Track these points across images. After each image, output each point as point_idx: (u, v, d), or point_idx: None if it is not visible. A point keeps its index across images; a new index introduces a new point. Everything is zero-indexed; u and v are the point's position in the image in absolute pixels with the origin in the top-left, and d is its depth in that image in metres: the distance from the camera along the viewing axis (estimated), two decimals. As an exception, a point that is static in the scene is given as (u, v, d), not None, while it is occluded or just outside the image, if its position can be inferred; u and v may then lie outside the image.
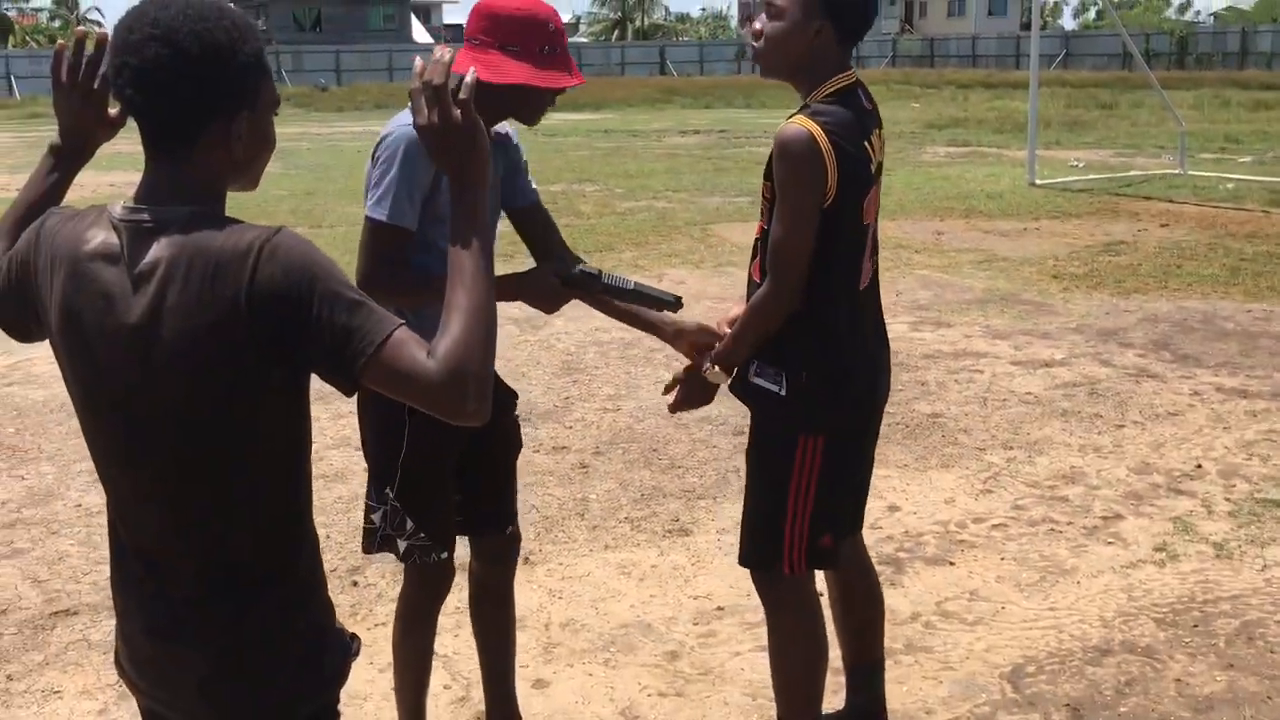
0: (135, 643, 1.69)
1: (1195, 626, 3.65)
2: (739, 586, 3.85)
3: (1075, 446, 5.28)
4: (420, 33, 58.00)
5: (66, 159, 1.85)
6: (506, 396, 2.86)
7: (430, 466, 2.63)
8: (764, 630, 2.86)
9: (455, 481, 2.74)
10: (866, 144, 2.56)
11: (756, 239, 2.66)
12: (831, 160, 2.45)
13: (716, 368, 2.67)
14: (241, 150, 1.57)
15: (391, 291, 2.43)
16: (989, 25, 58.28)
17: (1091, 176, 14.78)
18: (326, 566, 4.05)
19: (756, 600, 2.87)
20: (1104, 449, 5.25)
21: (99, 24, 65.36)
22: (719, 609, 3.79)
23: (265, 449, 1.59)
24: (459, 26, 64.12)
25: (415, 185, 2.42)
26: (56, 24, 69.32)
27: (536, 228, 2.77)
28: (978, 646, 3.55)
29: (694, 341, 2.75)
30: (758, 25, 2.61)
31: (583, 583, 4.01)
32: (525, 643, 3.51)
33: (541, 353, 6.84)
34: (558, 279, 2.54)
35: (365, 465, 2.75)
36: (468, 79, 1.58)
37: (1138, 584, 3.94)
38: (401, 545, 2.66)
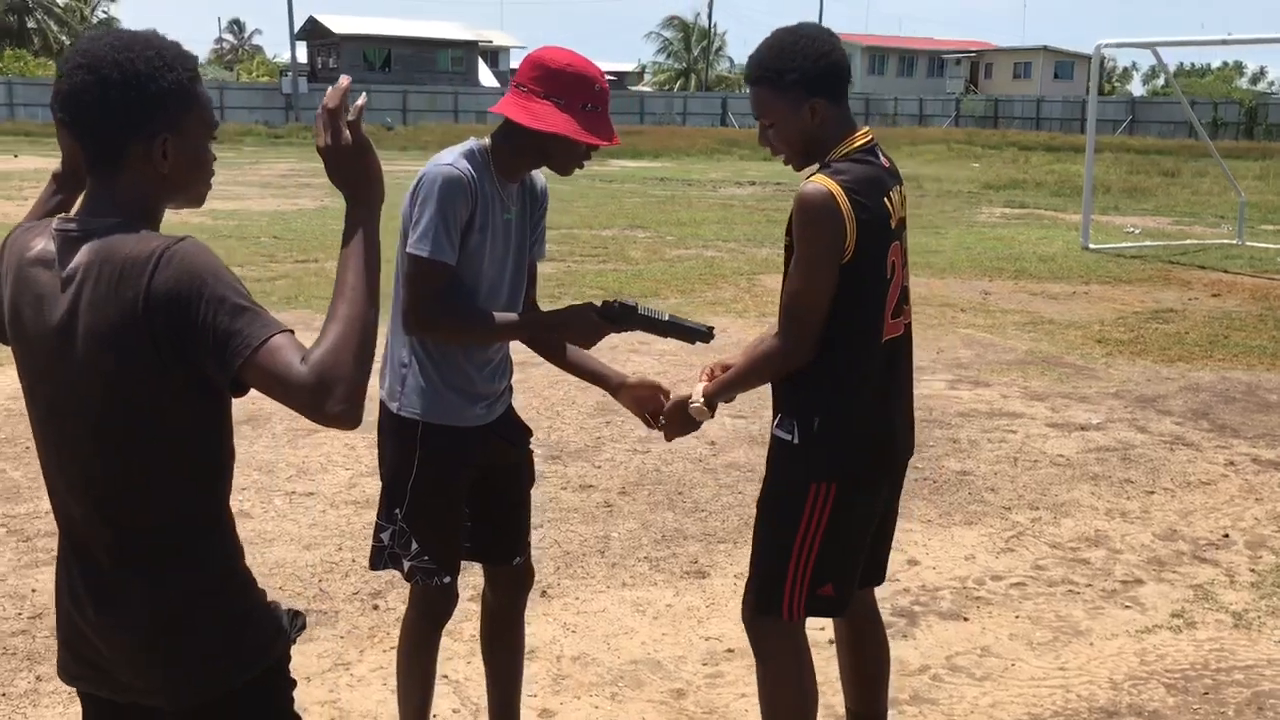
0: (70, 625, 1.82)
1: (1205, 694, 3.63)
2: (750, 630, 3.89)
3: (1102, 510, 5.27)
4: (487, 76, 58.90)
5: (66, 183, 2.02)
6: (520, 433, 2.95)
7: (439, 492, 2.73)
8: (771, 674, 2.90)
9: (466, 509, 2.84)
10: (885, 200, 2.63)
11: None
12: (850, 217, 2.53)
13: (703, 403, 2.77)
14: (169, 170, 1.71)
15: (439, 323, 2.55)
16: (1054, 88, 58.11)
17: (1146, 243, 14.70)
18: (350, 589, 4.22)
19: (766, 644, 2.91)
20: (1131, 514, 5.23)
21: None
22: (729, 651, 3.84)
23: (178, 442, 1.72)
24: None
25: (453, 222, 2.55)
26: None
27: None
28: (983, 702, 3.56)
29: (637, 396, 2.89)
30: (765, 140, 2.73)
31: (597, 618, 4.08)
32: (536, 673, 3.59)
33: (577, 393, 6.94)
34: (596, 313, 2.65)
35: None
36: (358, 102, 1.73)
37: (1151, 648, 3.93)
38: (406, 565, 2.76)
